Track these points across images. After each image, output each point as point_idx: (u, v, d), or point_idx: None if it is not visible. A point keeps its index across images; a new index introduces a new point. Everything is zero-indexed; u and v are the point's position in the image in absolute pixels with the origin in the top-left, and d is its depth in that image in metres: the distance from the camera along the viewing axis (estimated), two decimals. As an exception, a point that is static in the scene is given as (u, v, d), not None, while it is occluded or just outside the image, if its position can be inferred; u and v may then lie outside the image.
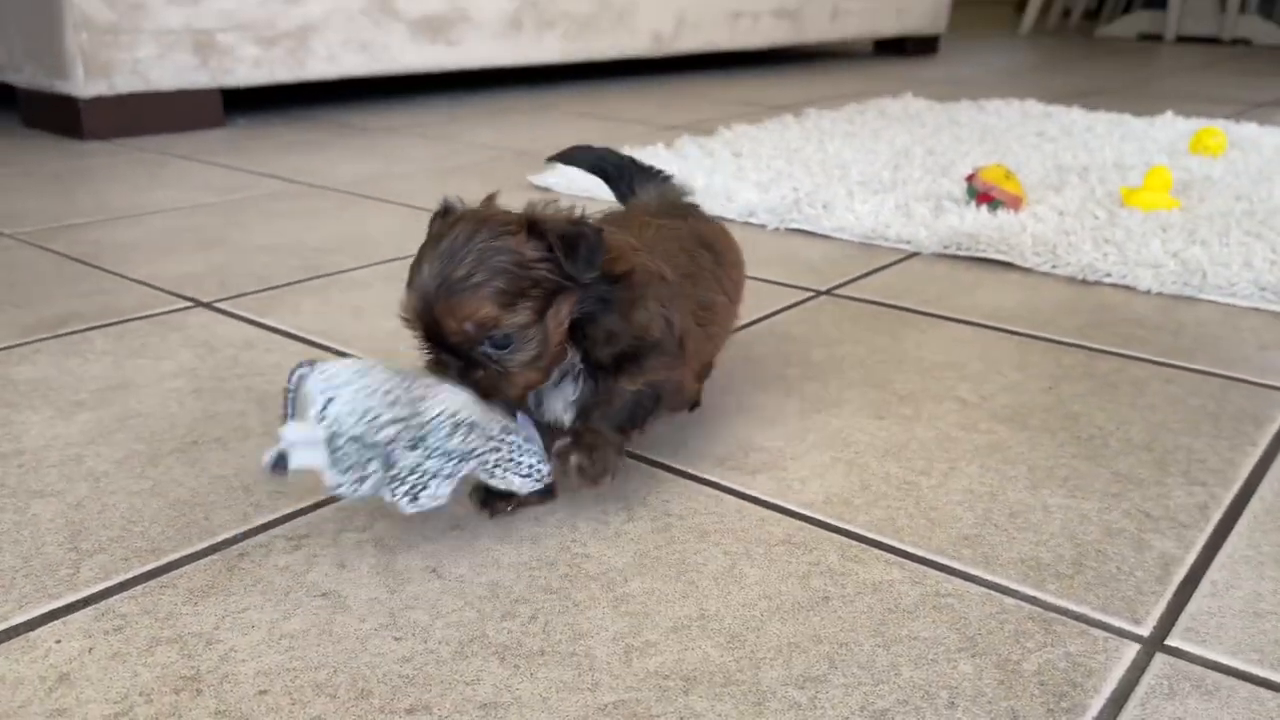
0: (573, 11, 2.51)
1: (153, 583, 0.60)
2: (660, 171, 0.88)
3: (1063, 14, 5.04)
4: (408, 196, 1.53)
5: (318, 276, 1.16)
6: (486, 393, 0.62)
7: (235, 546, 0.63)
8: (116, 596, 0.58)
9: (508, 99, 2.50)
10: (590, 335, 0.64)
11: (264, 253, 1.25)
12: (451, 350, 0.61)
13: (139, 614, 0.57)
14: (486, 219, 0.62)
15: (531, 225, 0.62)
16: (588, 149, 0.89)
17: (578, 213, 0.65)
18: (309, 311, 1.05)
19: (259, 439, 0.77)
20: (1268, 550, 0.64)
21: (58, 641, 0.54)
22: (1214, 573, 0.61)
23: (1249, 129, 1.98)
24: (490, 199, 0.67)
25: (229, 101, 2.17)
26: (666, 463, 0.74)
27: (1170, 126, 2.02)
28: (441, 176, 1.67)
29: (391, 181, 1.63)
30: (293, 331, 0.99)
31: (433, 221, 0.67)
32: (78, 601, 0.58)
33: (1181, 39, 4.38)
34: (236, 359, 0.92)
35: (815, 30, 3.17)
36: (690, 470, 0.73)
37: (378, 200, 1.51)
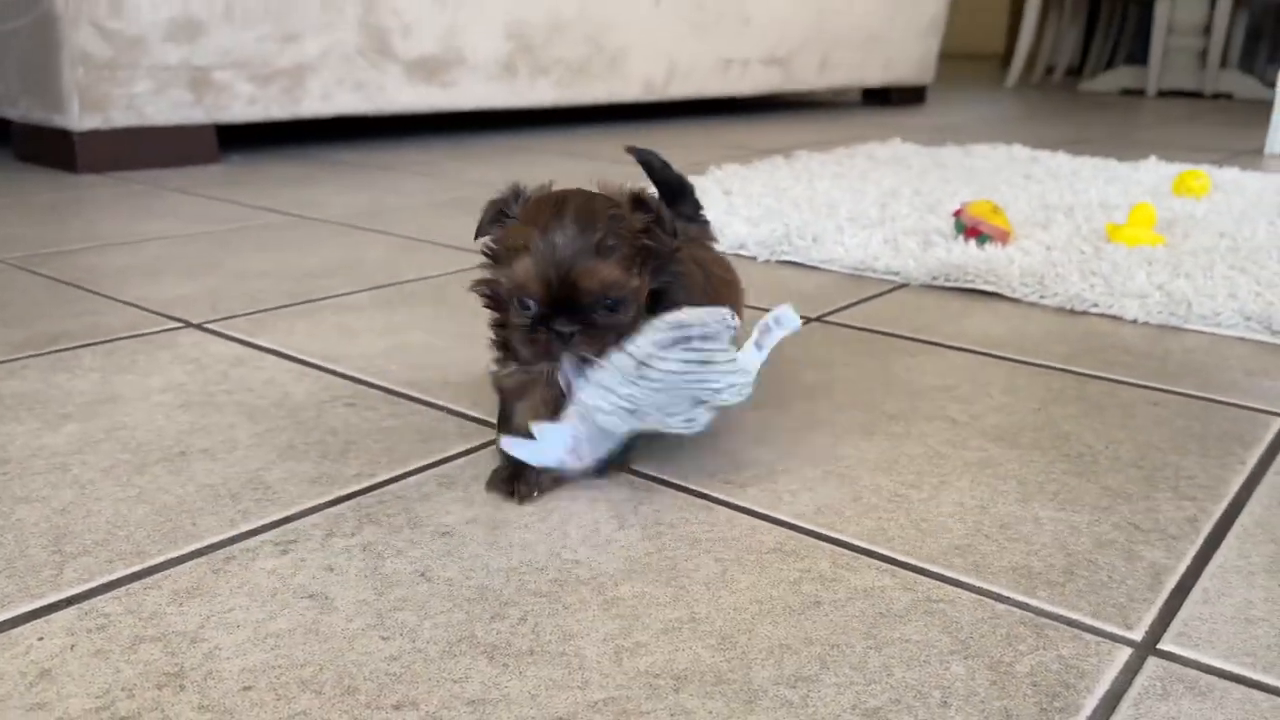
0: (566, 57, 2.55)
1: (137, 584, 0.59)
2: (701, 212, 0.93)
3: (1046, 69, 5.14)
4: (400, 227, 1.54)
5: (310, 300, 1.16)
6: (597, 351, 0.65)
7: (221, 551, 0.63)
8: (100, 597, 0.57)
9: (501, 140, 2.53)
10: (661, 302, 0.68)
11: (257, 277, 1.25)
12: (574, 312, 0.64)
13: (122, 613, 0.56)
14: (600, 194, 0.67)
15: (636, 199, 0.67)
16: (660, 158, 0.92)
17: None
18: (301, 332, 1.05)
19: (247, 450, 0.77)
20: (1258, 560, 0.64)
21: (39, 639, 0.53)
22: (1205, 581, 0.61)
23: (1231, 173, 2.01)
24: (551, 184, 0.70)
25: (224, 138, 2.18)
26: (658, 475, 0.74)
27: (1154, 170, 2.05)
28: (434, 210, 1.68)
29: (385, 214, 1.64)
30: (284, 350, 0.99)
31: (504, 203, 0.69)
32: (60, 601, 0.57)
33: (1163, 93, 4.46)
34: (226, 375, 0.92)
35: (804, 79, 3.22)
36: (681, 482, 0.73)
37: (371, 231, 1.52)
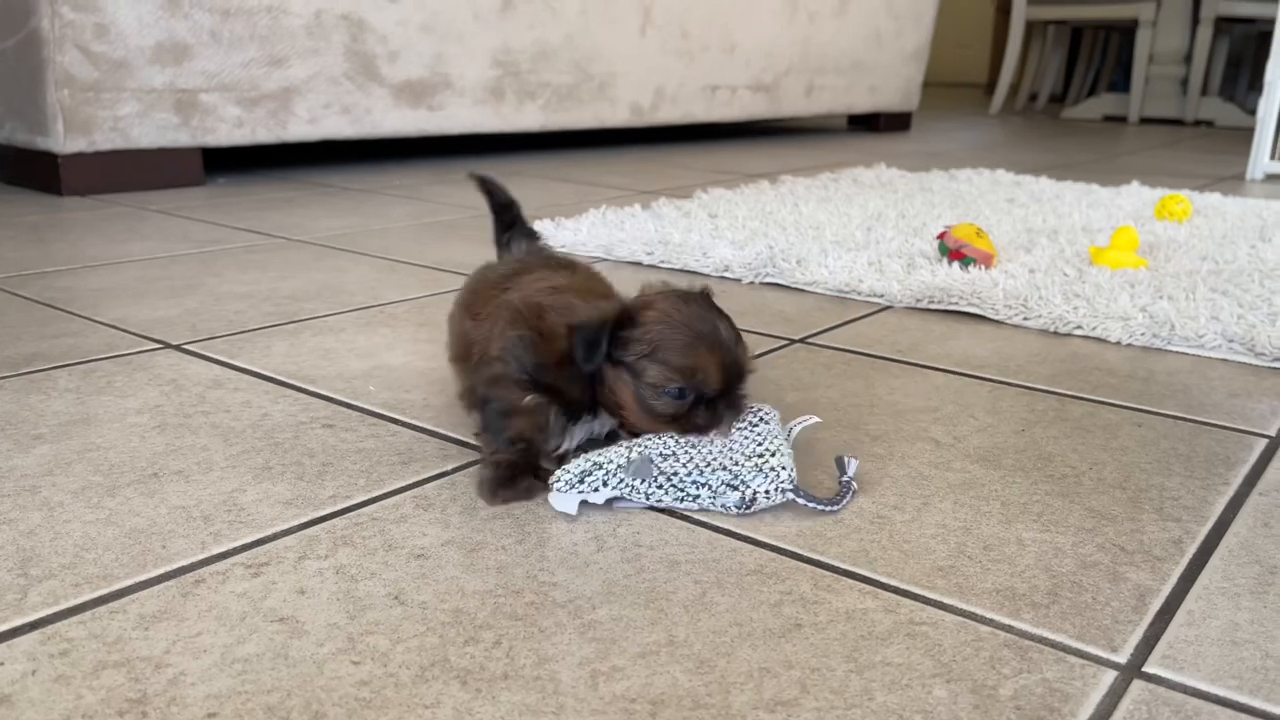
0: (554, 82, 2.56)
1: (102, 608, 0.57)
2: (534, 231, 1.03)
3: (1030, 97, 5.19)
4: (384, 250, 1.53)
5: (290, 322, 1.15)
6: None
7: (191, 574, 0.61)
8: (64, 621, 0.56)
9: (488, 164, 2.53)
10: None
11: (237, 299, 1.24)
12: (734, 390, 0.73)
13: (86, 638, 0.55)
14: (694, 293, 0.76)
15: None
16: (498, 183, 1.02)
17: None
18: (279, 354, 1.04)
19: (222, 472, 0.75)
20: (1243, 582, 0.63)
21: (0, 664, 0.52)
22: (1190, 603, 0.61)
23: (1213, 198, 2.03)
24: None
25: (210, 161, 2.18)
26: (637, 497, 0.73)
27: (1136, 195, 2.06)
28: (419, 233, 1.68)
29: (369, 237, 1.64)
30: (262, 372, 0.98)
31: (612, 324, 0.71)
32: (23, 625, 0.56)
33: (1145, 120, 4.50)
34: (204, 396, 0.91)
35: (790, 105, 3.24)
36: (660, 508, 0.72)
37: (354, 253, 1.51)
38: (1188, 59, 4.41)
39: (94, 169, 1.93)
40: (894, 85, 3.59)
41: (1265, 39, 4.74)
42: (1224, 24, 4.38)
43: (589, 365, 0.71)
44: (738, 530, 0.68)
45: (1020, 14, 4.58)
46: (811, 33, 3.20)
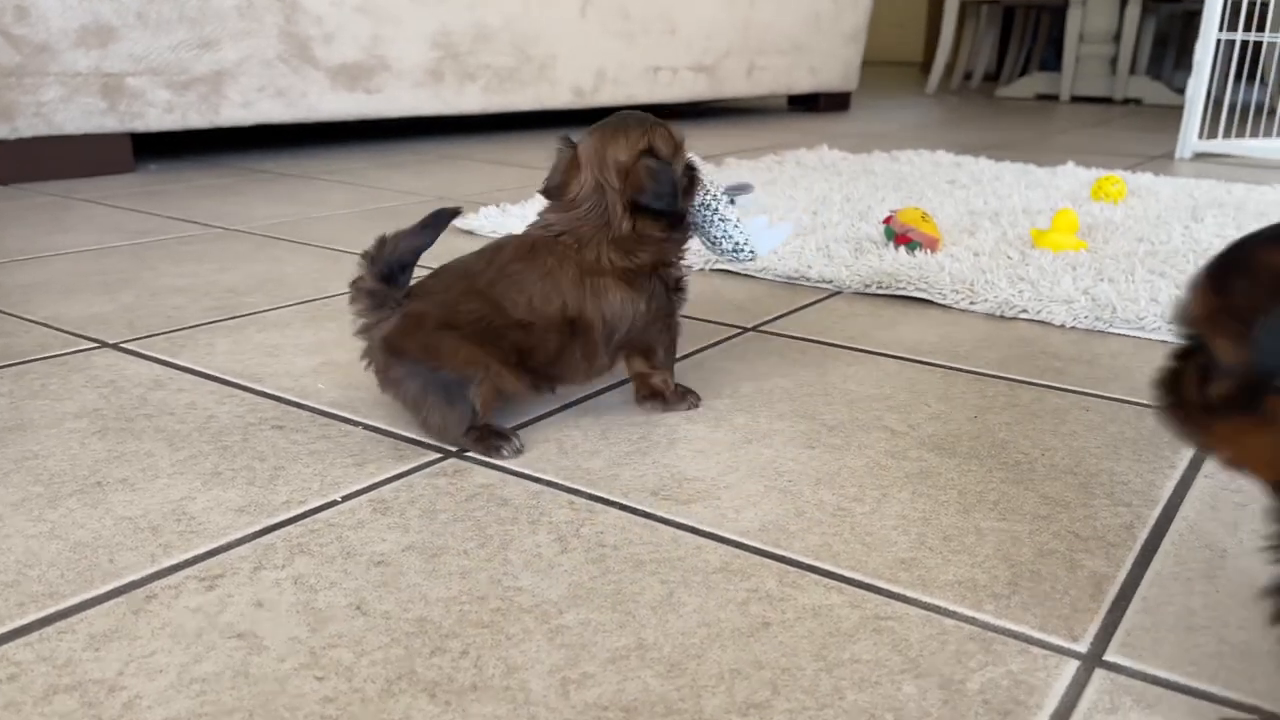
0: (494, 64, 2.52)
1: (50, 628, 0.55)
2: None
3: (965, 75, 5.25)
4: (326, 239, 1.50)
5: (233, 317, 1.12)
6: None
7: (142, 589, 0.59)
8: (10, 643, 0.54)
9: (429, 148, 2.49)
10: None
11: (176, 294, 1.20)
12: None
13: (35, 661, 0.53)
14: None
15: None
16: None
17: None
18: (222, 351, 1.01)
19: (169, 479, 0.73)
20: (1195, 566, 0.65)
21: (-57, 693, 0.50)
22: (1145, 589, 0.62)
23: (1145, 178, 2.07)
24: None
25: (140, 146, 2.11)
26: (600, 495, 0.72)
27: (1072, 175, 2.10)
28: (361, 221, 1.64)
29: (309, 225, 1.60)
30: (205, 371, 0.95)
31: None
32: (-34, 650, 0.53)
33: (1076, 99, 4.59)
34: (145, 398, 0.88)
35: (732, 86, 3.24)
36: (624, 501, 0.71)
37: (295, 243, 1.48)
38: (1116, 38, 4.50)
39: (17, 156, 1.86)
40: (833, 66, 3.61)
41: (1190, 18, 4.86)
42: (1151, 3, 4.47)
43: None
44: (701, 527, 0.68)
45: (955, -6, 4.62)
46: (752, 14, 3.20)
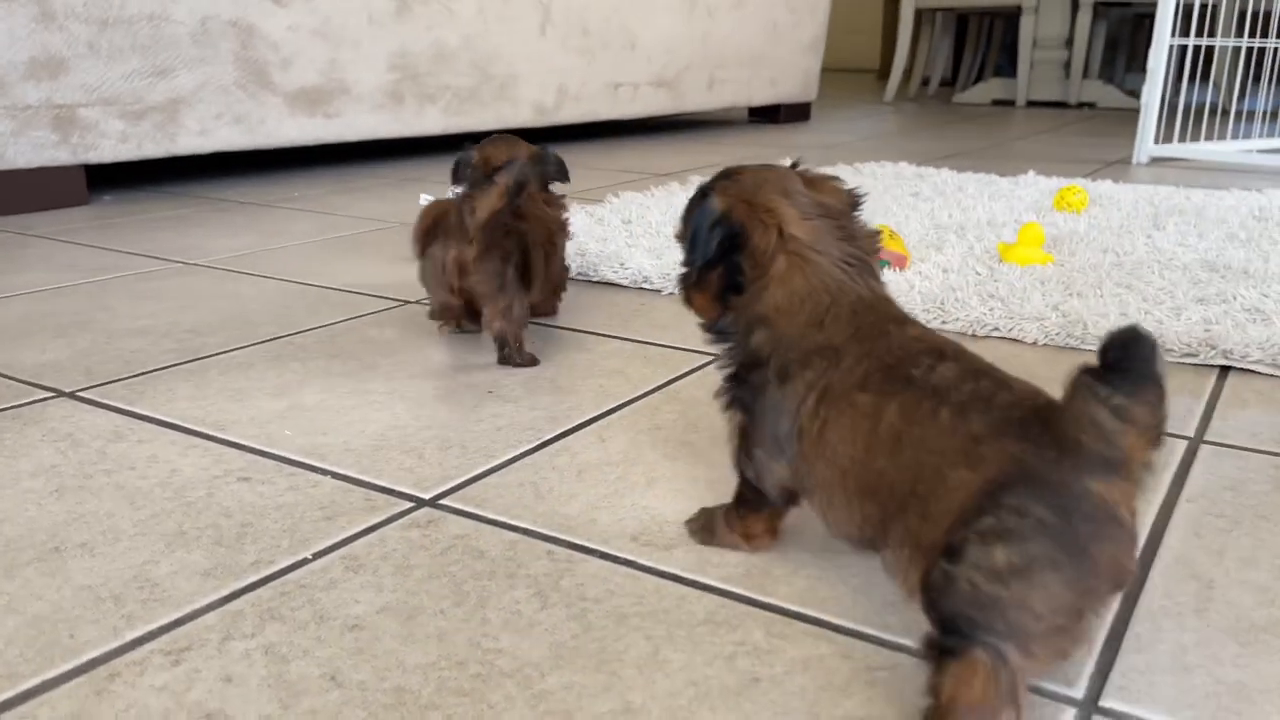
0: (454, 84, 2.50)
1: (9, 714, 0.53)
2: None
3: (922, 82, 5.29)
4: (288, 271, 1.47)
5: (194, 359, 1.09)
6: None
7: (104, 666, 0.57)
8: (-35, 734, 0.51)
9: (390, 171, 2.46)
10: None
11: (134, 336, 1.17)
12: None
13: (-8, 753, 0.50)
14: None
15: None
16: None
17: None
18: (184, 397, 0.98)
19: (131, 541, 0.71)
20: (1184, 600, 0.64)
21: (-107, 794, 0.47)
22: (1136, 627, 0.61)
23: (1106, 186, 2.09)
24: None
25: (94, 178, 2.07)
26: (579, 542, 0.71)
27: (1034, 185, 2.11)
28: (323, 250, 1.61)
29: (270, 256, 1.57)
30: (167, 419, 0.92)
31: None
32: (-82, 743, 0.51)
33: (1032, 103, 4.64)
34: (104, 452, 0.85)
35: (693, 100, 3.24)
36: (604, 549, 0.70)
37: (256, 276, 1.45)
38: (1069, 43, 4.56)
39: (-35, 192, 1.81)
40: (793, 76, 3.62)
41: (1140, 21, 4.94)
42: (1101, 8, 4.53)
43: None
44: (684, 575, 0.67)
45: (910, 3, 4.66)
46: (711, 27, 3.20)
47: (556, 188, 1.20)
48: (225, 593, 0.64)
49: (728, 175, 0.68)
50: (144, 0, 1.91)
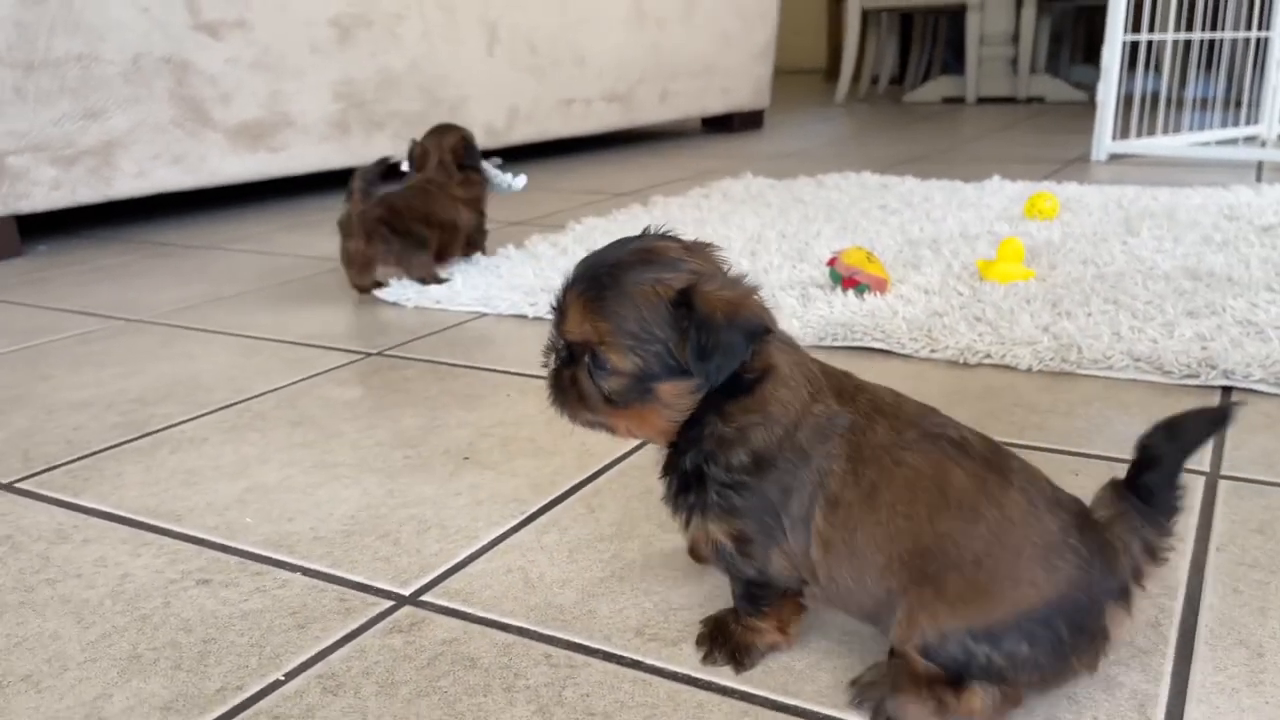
0: (402, 110, 2.42)
1: None
2: None
3: (871, 81, 5.29)
4: (239, 324, 1.39)
5: (143, 435, 1.02)
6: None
7: (56, 838, 0.50)
8: None
9: (340, 202, 2.38)
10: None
11: (76, 410, 1.09)
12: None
13: None
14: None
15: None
16: None
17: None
18: (134, 483, 0.90)
19: (80, 669, 0.63)
20: (1236, 672, 0.59)
21: None
22: (1191, 709, 0.56)
23: (1073, 188, 2.07)
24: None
25: (26, 228, 1.97)
26: (579, 641, 0.65)
27: (1000, 191, 2.09)
28: (276, 297, 1.54)
29: (220, 308, 1.49)
30: (115, 512, 0.85)
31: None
32: None
33: (982, 100, 4.65)
34: (48, 557, 0.78)
35: (646, 113, 3.19)
36: (606, 648, 0.64)
37: (205, 332, 1.37)
38: (1015, 39, 4.57)
39: (-112, 252, 1.71)
40: (745, 84, 3.58)
41: (1082, 14, 4.97)
42: (1045, 3, 4.56)
43: None
44: (698, 676, 0.61)
45: (856, 3, 4.65)
46: (661, 39, 3.15)
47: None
48: (190, 731, 0.58)
49: (672, 266, 0.57)
50: (71, 41, 1.82)
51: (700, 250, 0.60)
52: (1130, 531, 0.55)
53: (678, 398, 0.58)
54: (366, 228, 1.45)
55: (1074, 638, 0.53)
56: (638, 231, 0.63)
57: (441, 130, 1.62)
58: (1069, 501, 0.57)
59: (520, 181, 1.66)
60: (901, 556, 0.55)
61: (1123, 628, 0.55)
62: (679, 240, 0.61)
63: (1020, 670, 0.53)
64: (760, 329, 0.57)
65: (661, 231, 0.62)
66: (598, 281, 0.58)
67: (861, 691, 0.58)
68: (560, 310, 0.60)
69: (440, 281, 1.52)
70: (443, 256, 1.57)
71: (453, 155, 1.58)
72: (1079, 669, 0.54)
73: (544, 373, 0.62)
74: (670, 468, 0.61)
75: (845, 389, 0.60)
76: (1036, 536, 0.54)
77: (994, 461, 0.57)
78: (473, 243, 1.64)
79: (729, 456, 0.58)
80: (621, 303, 0.57)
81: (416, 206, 1.51)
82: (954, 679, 0.54)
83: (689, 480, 0.59)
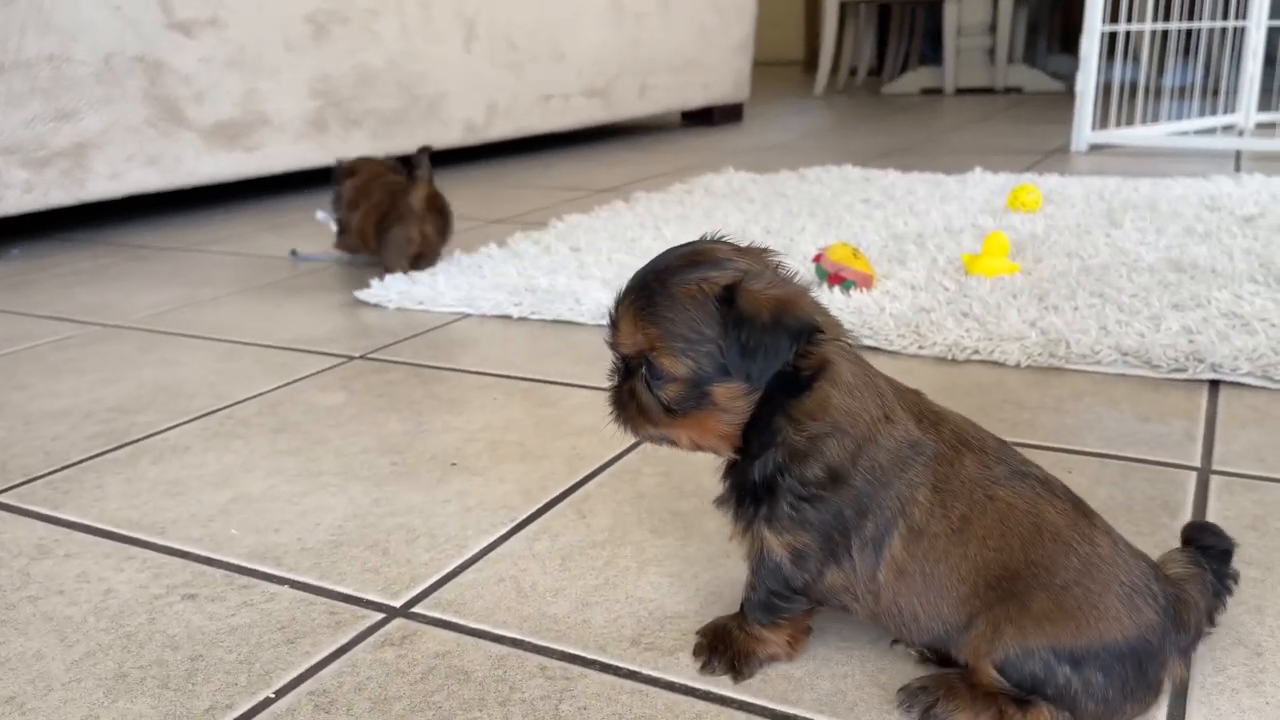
0: (379, 108, 2.40)
1: None
2: None
3: (850, 72, 5.30)
4: (218, 328, 1.37)
5: (123, 445, 1.00)
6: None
7: None
8: None
9: (317, 200, 2.35)
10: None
11: (53, 419, 1.07)
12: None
13: None
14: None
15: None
16: None
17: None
18: (115, 494, 0.89)
19: (65, 690, 0.62)
20: (1236, 673, 0.59)
21: None
22: (1193, 710, 0.56)
23: (1054, 180, 2.07)
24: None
25: (0, 232, 1.94)
26: (574, 652, 0.64)
27: (982, 184, 2.09)
28: (256, 300, 1.52)
29: (198, 311, 1.47)
30: (97, 525, 0.83)
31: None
32: None
33: (960, 90, 4.66)
34: (28, 573, 0.76)
35: (625, 108, 3.17)
36: (603, 659, 0.63)
37: (184, 337, 1.35)
38: (993, 29, 4.58)
39: None
40: (725, 78, 3.57)
41: (1058, 4, 4.99)
42: (1021, -7, 4.57)
43: None
44: (696, 686, 0.60)
45: (834, -3, 4.65)
46: (639, 33, 3.14)
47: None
48: (179, 753, 0.56)
49: (719, 265, 0.56)
50: (42, 41, 1.79)
51: (752, 251, 0.59)
52: (1201, 593, 0.58)
53: (732, 400, 0.56)
54: (438, 207, 1.56)
55: (1137, 681, 0.54)
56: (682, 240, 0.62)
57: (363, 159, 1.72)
58: (1142, 554, 0.58)
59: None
60: (988, 582, 0.55)
61: (1175, 681, 0.56)
62: (730, 243, 0.59)
63: (1090, 700, 0.53)
64: (807, 328, 0.55)
65: (715, 236, 0.60)
66: (646, 289, 0.57)
67: (910, 696, 0.57)
68: (613, 324, 0.59)
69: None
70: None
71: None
72: (1130, 713, 0.55)
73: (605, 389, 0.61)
74: (734, 474, 0.60)
75: (924, 414, 0.60)
76: (1124, 576, 0.55)
77: (1079, 504, 0.58)
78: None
79: (803, 469, 0.56)
80: (669, 306, 0.55)
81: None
82: (1019, 698, 0.54)
83: (758, 490, 0.58)
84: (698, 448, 0.60)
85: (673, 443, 0.60)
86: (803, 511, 0.57)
